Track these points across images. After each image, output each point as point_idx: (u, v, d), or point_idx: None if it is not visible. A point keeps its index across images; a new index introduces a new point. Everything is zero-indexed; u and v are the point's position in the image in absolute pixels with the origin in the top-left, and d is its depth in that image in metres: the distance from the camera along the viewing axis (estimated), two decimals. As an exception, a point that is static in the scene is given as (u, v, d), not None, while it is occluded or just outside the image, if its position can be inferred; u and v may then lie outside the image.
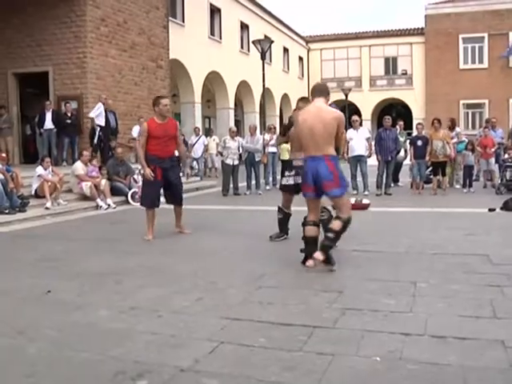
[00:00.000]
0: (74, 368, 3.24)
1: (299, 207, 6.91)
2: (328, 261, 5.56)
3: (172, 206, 8.18)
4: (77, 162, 12.69)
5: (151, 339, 3.66)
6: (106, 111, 14.61)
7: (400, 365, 3.15)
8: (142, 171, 8.21)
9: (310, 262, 5.59)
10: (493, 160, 14.98)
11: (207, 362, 3.25)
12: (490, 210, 10.12)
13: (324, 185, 5.58)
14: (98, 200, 11.74)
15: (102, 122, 14.52)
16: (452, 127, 15.12)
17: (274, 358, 3.28)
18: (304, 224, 5.94)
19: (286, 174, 7.44)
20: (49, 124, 15.16)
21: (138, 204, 11.37)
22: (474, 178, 15.15)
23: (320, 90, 5.92)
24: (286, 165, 7.68)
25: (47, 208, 10.64)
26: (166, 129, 7.67)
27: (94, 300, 4.66)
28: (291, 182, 7.28)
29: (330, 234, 5.60)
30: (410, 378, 2.98)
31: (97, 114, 14.48)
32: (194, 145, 19.26)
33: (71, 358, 3.38)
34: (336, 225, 5.65)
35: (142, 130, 7.79)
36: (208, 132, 23.64)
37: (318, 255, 5.47)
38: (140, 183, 10.50)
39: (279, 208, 7.64)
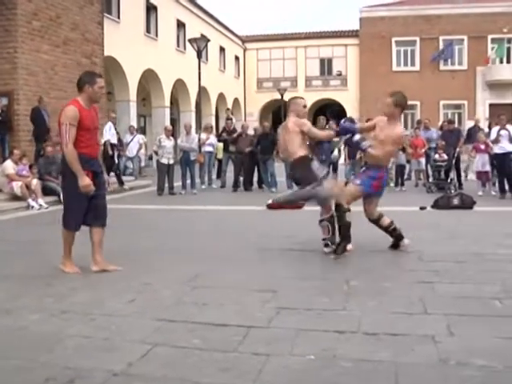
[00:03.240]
0: (3, 376, 3.11)
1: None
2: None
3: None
4: (7, 160, 12.29)
5: (83, 343, 3.56)
6: (40, 109, 14.27)
7: (334, 362, 3.18)
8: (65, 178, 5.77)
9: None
10: (423, 160, 15.41)
11: (141, 366, 3.19)
12: (422, 208, 10.41)
13: None
14: (30, 200, 11.40)
15: (114, 139, 15.25)
16: None
17: (209, 359, 3.26)
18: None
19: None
20: (-23, 121, 14.64)
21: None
22: (405, 176, 15.56)
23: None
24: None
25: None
26: (93, 118, 5.68)
27: (23, 304, 4.49)
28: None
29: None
30: (343, 376, 3.01)
31: (111, 134, 15.23)
32: (129, 144, 18.98)
33: (1, 366, 3.25)
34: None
35: (70, 116, 5.40)
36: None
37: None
38: None
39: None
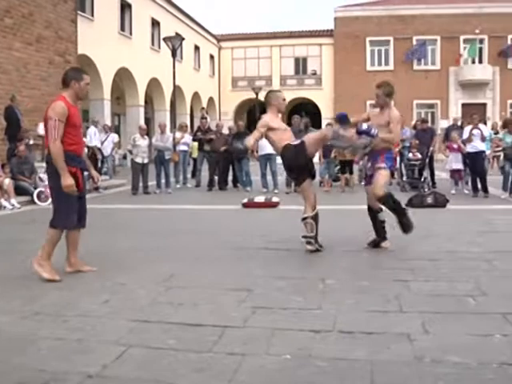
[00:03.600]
0: (-28, 380, 3.06)
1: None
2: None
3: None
4: (-22, 160, 12.12)
5: (57, 345, 3.51)
6: (14, 108, 14.09)
7: (310, 362, 3.18)
8: (46, 175, 5.88)
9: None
10: (397, 159, 15.52)
11: (115, 367, 3.15)
12: (396, 207, 10.46)
13: None
14: (2, 200, 11.24)
15: (98, 143, 15.92)
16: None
17: (184, 359, 3.23)
18: None
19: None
20: None
21: (45, 204, 11.01)
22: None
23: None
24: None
25: None
26: (79, 115, 5.56)
27: (-6, 305, 4.42)
28: None
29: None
30: (319, 375, 3.00)
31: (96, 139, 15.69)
32: (103, 143, 18.79)
33: (-31, 368, 3.19)
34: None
35: (59, 112, 5.19)
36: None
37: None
38: (46, 182, 9.90)
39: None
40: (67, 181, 5.19)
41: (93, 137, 16.12)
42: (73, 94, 5.41)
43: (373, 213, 6.68)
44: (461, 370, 3.05)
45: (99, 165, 15.50)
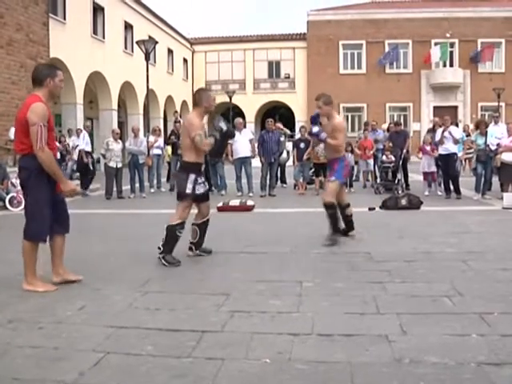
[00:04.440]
0: None
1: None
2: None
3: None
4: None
5: (31, 353, 3.44)
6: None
7: (289, 365, 3.17)
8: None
9: None
10: (371, 161, 15.64)
11: (92, 375, 3.10)
12: (370, 209, 10.55)
13: None
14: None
15: (88, 147, 16.09)
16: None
17: (163, 365, 3.20)
18: None
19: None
20: None
21: (17, 210, 10.83)
22: (353, 178, 15.75)
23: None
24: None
25: None
26: (52, 117, 5.08)
27: (-34, 313, 4.32)
28: None
29: None
30: (299, 378, 3.00)
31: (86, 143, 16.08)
32: (77, 147, 18.56)
33: None
34: None
35: (42, 115, 4.74)
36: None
37: None
38: (19, 187, 9.54)
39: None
40: (70, 185, 5.04)
41: (82, 140, 16.45)
42: (47, 93, 4.95)
43: (341, 208, 7.36)
44: (440, 369, 3.07)
45: (91, 167, 15.42)
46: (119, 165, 14.05)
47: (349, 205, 7.52)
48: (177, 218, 6.08)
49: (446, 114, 14.94)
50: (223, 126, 6.29)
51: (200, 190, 6.18)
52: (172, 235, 5.99)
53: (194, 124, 6.07)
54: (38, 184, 4.88)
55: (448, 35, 36.40)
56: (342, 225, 7.52)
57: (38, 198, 4.90)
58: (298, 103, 39.56)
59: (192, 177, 6.08)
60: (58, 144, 18.60)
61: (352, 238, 7.44)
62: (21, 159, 5.03)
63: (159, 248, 6.00)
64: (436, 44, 36.74)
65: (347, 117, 38.35)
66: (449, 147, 12.64)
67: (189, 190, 6.05)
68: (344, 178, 7.58)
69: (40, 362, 3.29)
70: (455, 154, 12.83)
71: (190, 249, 6.39)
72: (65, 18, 23.62)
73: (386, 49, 37.74)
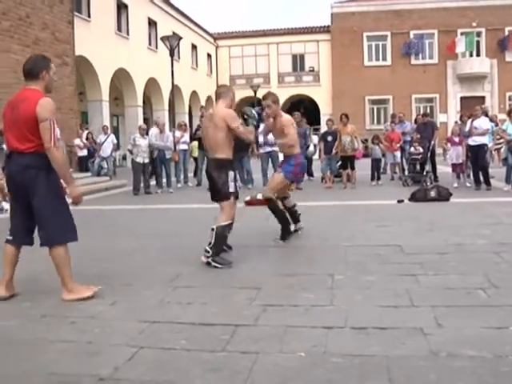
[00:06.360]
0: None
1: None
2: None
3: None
4: None
5: (65, 348, 3.46)
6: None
7: (324, 359, 3.14)
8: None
9: None
10: (398, 153, 15.49)
11: (127, 369, 3.10)
12: (399, 201, 10.44)
13: None
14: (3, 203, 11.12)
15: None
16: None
17: (197, 360, 3.19)
18: None
19: None
20: None
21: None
22: (381, 170, 15.62)
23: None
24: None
25: None
26: None
27: None
28: None
29: None
30: (335, 372, 2.96)
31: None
32: (103, 144, 18.74)
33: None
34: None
35: (53, 110, 4.37)
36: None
37: None
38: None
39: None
40: (77, 191, 4.60)
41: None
42: (43, 87, 4.50)
43: (281, 200, 7.17)
44: (477, 363, 3.01)
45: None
46: (146, 160, 14.12)
47: (289, 196, 7.34)
48: (225, 219, 5.81)
49: (473, 105, 14.68)
50: (256, 111, 6.24)
51: (237, 186, 6.00)
52: (221, 236, 5.76)
53: (234, 114, 5.79)
54: (50, 181, 4.44)
55: (474, 24, 35.85)
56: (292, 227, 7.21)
57: (53, 196, 4.46)
58: (323, 96, 39.37)
59: (231, 174, 5.82)
60: (85, 141, 18.83)
61: (301, 230, 7.28)
62: (24, 157, 4.39)
63: (207, 251, 5.65)
64: (462, 34, 36.22)
65: (372, 109, 38.11)
66: (479, 138, 12.44)
67: (232, 189, 5.80)
68: (292, 176, 7.05)
69: (75, 357, 3.31)
70: (485, 144, 12.64)
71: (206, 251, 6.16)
72: (89, 16, 23.81)
73: (411, 39, 37.31)
